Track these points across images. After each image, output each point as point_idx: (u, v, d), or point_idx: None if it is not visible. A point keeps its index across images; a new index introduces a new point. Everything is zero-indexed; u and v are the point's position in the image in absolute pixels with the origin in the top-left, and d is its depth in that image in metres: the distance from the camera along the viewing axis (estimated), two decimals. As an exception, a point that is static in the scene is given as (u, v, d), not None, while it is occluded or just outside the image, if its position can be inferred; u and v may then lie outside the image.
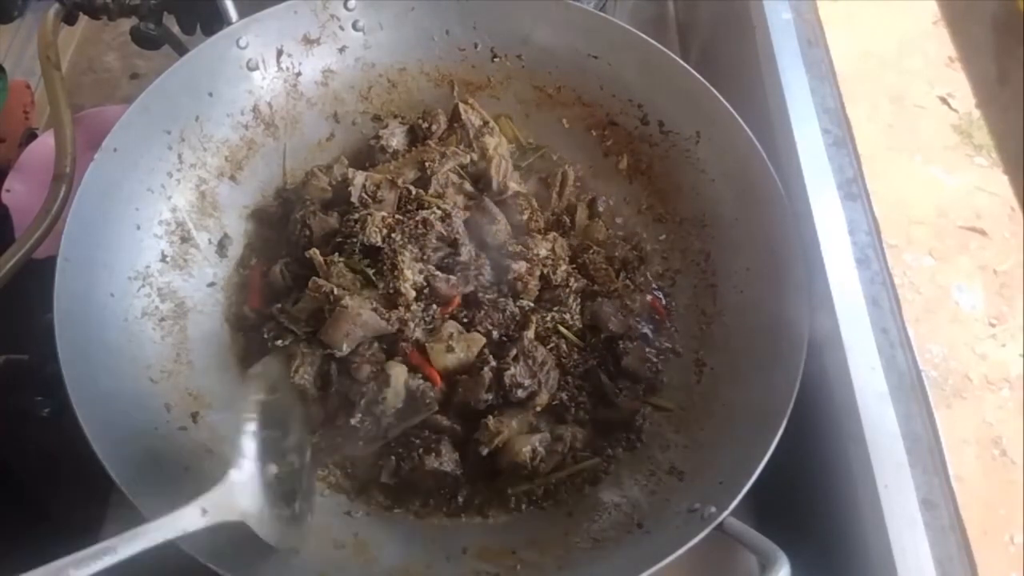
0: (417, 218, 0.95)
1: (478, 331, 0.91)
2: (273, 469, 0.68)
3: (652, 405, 0.93)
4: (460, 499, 0.86)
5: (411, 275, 0.90)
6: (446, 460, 0.84)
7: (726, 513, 0.73)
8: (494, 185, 1.02)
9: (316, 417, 0.89)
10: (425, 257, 0.94)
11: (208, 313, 0.94)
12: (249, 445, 0.66)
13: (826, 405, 0.83)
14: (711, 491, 0.77)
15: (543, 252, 0.97)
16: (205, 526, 0.62)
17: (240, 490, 0.65)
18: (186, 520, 0.62)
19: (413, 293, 0.90)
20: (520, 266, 0.95)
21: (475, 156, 1.04)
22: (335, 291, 0.87)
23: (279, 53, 1.02)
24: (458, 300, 0.93)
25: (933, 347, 1.37)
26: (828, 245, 0.89)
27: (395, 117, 1.10)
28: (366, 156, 1.07)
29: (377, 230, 0.93)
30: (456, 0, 1.06)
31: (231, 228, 1.00)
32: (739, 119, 0.96)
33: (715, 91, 0.98)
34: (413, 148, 1.05)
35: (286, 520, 0.70)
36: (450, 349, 0.88)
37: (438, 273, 0.93)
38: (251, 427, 0.67)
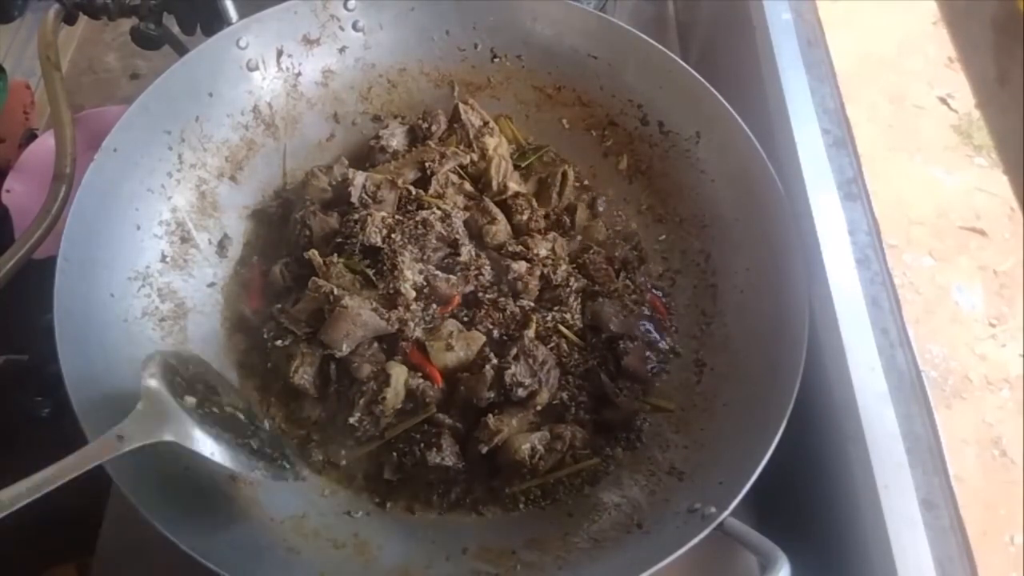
0: (417, 218, 0.95)
1: (478, 330, 0.91)
2: (191, 400, 0.73)
3: (652, 405, 0.93)
4: (454, 495, 0.86)
5: (411, 275, 0.90)
6: (447, 454, 0.84)
7: (726, 513, 0.73)
8: (494, 185, 1.02)
9: (316, 416, 0.90)
10: (425, 257, 0.94)
11: (208, 313, 0.94)
12: (153, 384, 0.71)
13: (826, 405, 0.83)
14: (711, 491, 0.77)
15: (543, 252, 0.97)
16: (127, 450, 0.66)
17: (153, 416, 0.69)
18: (103, 447, 0.66)
19: (413, 293, 0.90)
20: (520, 266, 0.95)
21: (475, 156, 1.04)
22: (335, 291, 0.87)
23: (279, 53, 1.03)
24: (458, 300, 0.93)
25: (933, 347, 1.37)
26: (828, 245, 0.89)
27: (395, 117, 1.10)
28: (366, 156, 1.07)
29: (377, 230, 0.93)
30: (456, 0, 1.06)
31: (231, 228, 1.00)
32: (739, 119, 0.96)
33: (715, 91, 0.98)
34: (413, 148, 1.05)
35: (248, 450, 0.75)
36: (450, 347, 0.88)
37: (438, 273, 0.93)
38: (152, 373, 0.72)
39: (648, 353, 0.96)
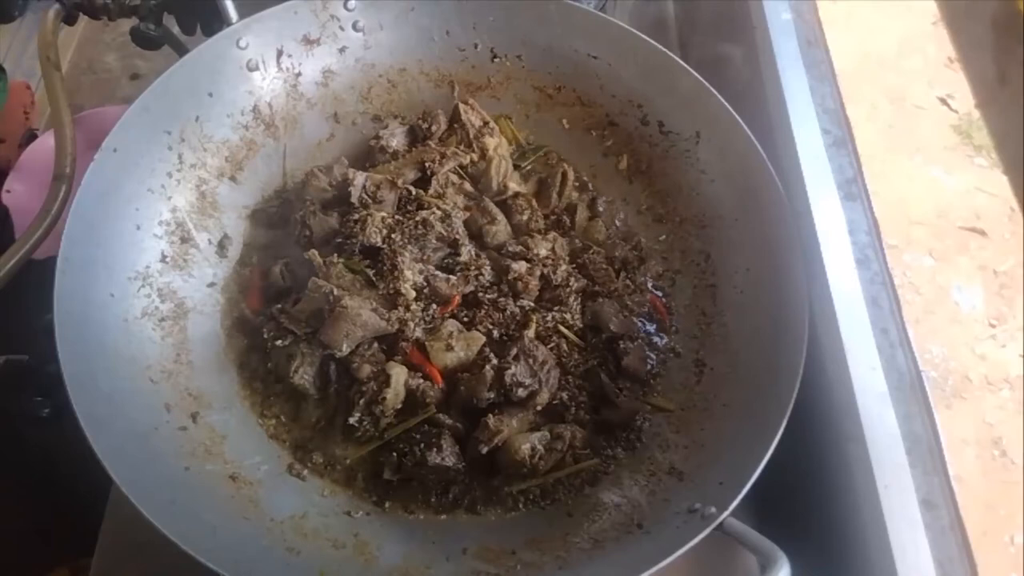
0: (417, 218, 0.95)
1: (478, 330, 0.91)
2: None
3: (652, 405, 0.93)
4: (453, 495, 0.86)
5: (411, 275, 0.90)
6: (447, 454, 0.84)
7: (726, 513, 0.73)
8: (494, 185, 1.02)
9: (316, 417, 0.89)
10: (425, 257, 0.94)
11: (208, 313, 0.94)
12: None
13: (826, 405, 0.83)
14: (711, 491, 0.77)
15: (543, 252, 0.97)
16: None
17: None
18: None
19: (413, 293, 0.90)
20: (520, 266, 0.95)
21: (475, 156, 1.04)
22: (335, 291, 0.87)
23: (279, 53, 1.02)
24: (457, 300, 0.93)
25: (933, 347, 1.37)
26: (828, 245, 0.89)
27: (395, 117, 1.10)
28: (366, 156, 1.07)
29: (377, 230, 0.93)
30: (456, 0, 1.06)
31: (231, 228, 1.00)
32: (739, 119, 0.96)
33: (715, 91, 0.98)
34: (413, 148, 1.05)
35: None
36: (450, 347, 0.88)
37: (438, 273, 0.93)
38: None
39: (648, 353, 0.96)
